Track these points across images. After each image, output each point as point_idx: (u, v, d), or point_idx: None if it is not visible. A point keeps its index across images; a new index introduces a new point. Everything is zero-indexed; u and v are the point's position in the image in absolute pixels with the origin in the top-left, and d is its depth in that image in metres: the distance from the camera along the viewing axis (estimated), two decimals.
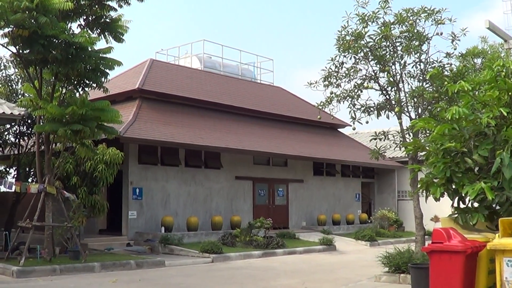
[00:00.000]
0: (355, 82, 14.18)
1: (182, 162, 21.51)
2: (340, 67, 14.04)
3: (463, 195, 8.57)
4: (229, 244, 18.73)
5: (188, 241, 18.94)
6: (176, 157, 21.28)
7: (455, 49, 13.33)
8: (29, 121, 17.47)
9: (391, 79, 13.76)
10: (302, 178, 26.74)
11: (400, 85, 13.87)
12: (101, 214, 16.99)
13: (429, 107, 13.57)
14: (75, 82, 14.93)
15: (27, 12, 13.11)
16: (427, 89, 13.39)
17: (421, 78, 13.78)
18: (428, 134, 12.79)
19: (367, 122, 14.24)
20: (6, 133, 18.52)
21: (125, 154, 17.54)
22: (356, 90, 14.12)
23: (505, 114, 8.28)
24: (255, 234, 19.77)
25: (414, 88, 13.41)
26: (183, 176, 21.50)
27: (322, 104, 14.33)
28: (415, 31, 13.40)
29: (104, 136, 15.63)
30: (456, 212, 8.82)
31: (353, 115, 14.10)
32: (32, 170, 18.37)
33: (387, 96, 14.10)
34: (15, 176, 18.66)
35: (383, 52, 13.57)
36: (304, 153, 25.05)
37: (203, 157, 22.28)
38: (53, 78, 14.89)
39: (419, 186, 9.38)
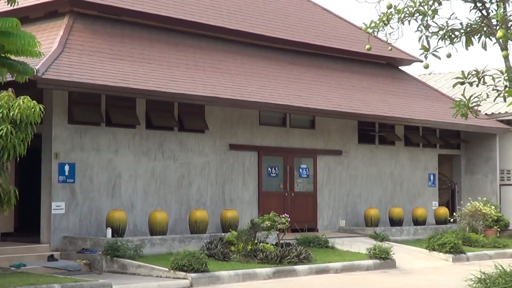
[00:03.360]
0: None
1: (142, 121, 21.43)
2: None
3: None
4: (219, 256, 18.72)
5: (152, 252, 18.90)
6: (131, 112, 21.19)
7: None
8: None
9: None
10: (339, 148, 26.68)
11: None
12: (5, 208, 16.81)
13: None
14: None
15: None
16: None
17: None
18: None
19: (448, 56, 13.94)
20: None
21: (46, 108, 17.24)
22: (431, 2, 13.79)
23: None
24: (262, 240, 19.76)
25: None
26: (143, 144, 21.43)
27: (373, 25, 14.03)
28: None
29: (11, 78, 15.35)
30: None
31: (426, 43, 13.80)
32: None
33: (484, 12, 13.76)
34: None
35: None
36: (344, 107, 24.90)
37: (177, 112, 22.21)
38: None
39: None
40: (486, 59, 41.58)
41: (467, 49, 13.93)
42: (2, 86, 16.60)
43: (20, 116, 16.22)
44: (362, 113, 25.38)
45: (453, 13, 14.40)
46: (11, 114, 16.25)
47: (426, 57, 13.90)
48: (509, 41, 13.37)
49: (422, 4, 13.83)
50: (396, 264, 20.66)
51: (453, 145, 30.77)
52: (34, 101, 16.53)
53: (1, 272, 16.13)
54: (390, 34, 14.11)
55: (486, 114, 29.37)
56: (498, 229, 26.85)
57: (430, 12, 13.87)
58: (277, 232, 19.93)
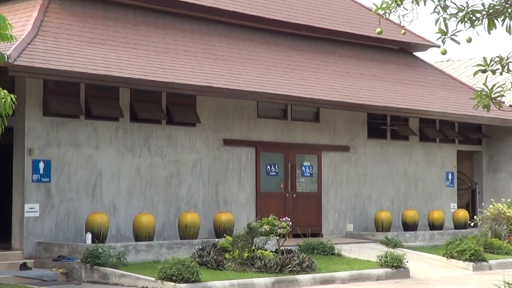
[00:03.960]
0: None
1: (126, 113, 21.46)
2: None
3: None
4: (212, 264, 18.72)
5: (137, 260, 18.90)
6: (114, 103, 21.22)
7: None
8: None
9: None
10: (347, 144, 26.74)
11: None
12: None
13: None
14: None
15: None
16: None
17: None
18: None
19: (469, 41, 13.83)
20: None
21: (18, 98, 17.19)
22: None
23: None
24: (260, 246, 19.78)
25: None
26: (127, 139, 21.47)
27: (385, 6, 13.91)
28: None
29: None
30: None
31: (443, 26, 13.69)
32: None
33: None
34: None
35: None
36: (351, 98, 24.94)
37: (165, 103, 22.26)
38: None
39: None
40: (510, 44, 41.56)
41: (489, 33, 13.80)
42: None
43: None
44: (372, 104, 25.38)
45: None
46: None
47: (443, 42, 13.74)
48: None
49: None
50: (410, 274, 20.63)
51: (474, 140, 30.80)
52: (5, 91, 16.44)
53: None
54: (403, 16, 13.96)
55: (510, 105, 29.32)
56: None
57: None
58: (277, 237, 19.89)
